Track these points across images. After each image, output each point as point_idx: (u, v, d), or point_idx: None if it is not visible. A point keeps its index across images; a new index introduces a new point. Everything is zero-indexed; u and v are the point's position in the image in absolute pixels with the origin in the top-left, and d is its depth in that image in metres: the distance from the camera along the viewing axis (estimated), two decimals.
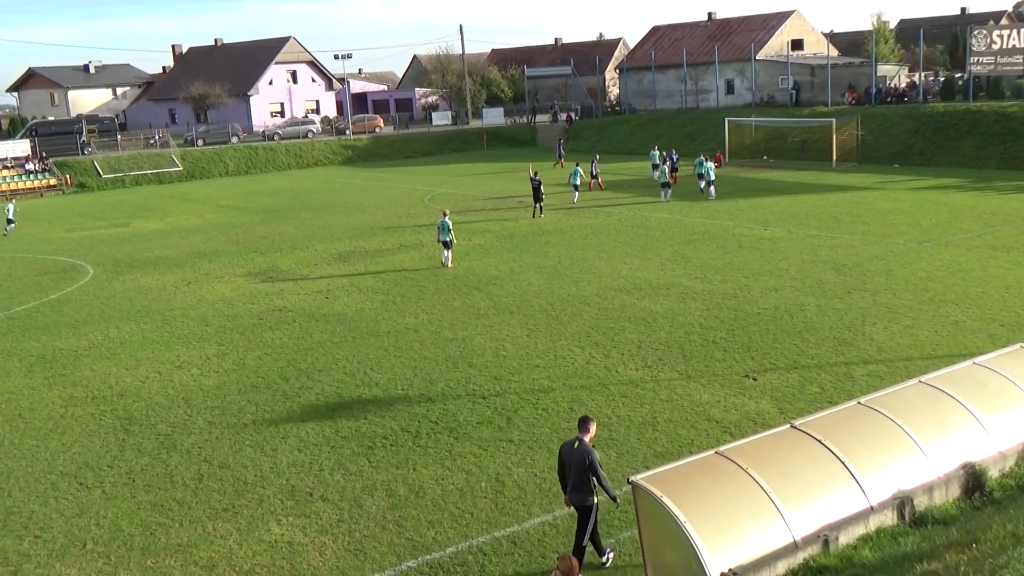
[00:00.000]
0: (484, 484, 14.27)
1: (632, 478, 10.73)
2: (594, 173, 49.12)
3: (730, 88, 77.65)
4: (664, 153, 52.13)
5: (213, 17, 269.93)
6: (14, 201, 49.88)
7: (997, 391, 13.20)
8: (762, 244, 31.77)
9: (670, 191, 44.34)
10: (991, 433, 12.56)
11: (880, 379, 17.56)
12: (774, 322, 22.24)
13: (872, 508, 11.20)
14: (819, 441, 11.55)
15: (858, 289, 24.94)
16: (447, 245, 30.79)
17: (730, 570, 9.91)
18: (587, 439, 11.46)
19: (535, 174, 42.16)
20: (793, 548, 10.50)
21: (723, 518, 10.40)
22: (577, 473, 11.34)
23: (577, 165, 47.62)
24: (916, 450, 11.91)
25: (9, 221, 45.53)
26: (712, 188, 44.36)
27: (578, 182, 45.12)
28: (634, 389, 18.15)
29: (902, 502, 11.42)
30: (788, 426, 12.17)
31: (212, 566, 12.37)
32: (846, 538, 10.88)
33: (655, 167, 51.60)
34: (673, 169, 50.70)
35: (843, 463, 11.33)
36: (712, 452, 11.46)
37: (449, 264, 30.81)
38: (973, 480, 12.02)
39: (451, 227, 30.82)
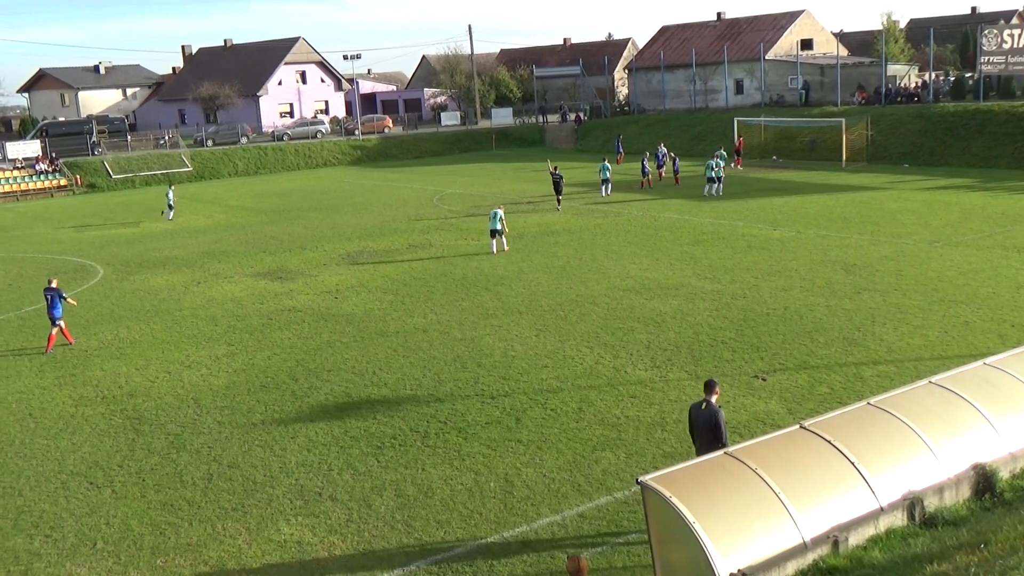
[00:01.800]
0: (493, 484, 14.27)
1: (641, 478, 10.72)
2: (645, 170, 49.53)
3: (739, 88, 77.49)
4: (667, 152, 52.53)
5: (222, 18, 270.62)
6: (173, 187, 50.60)
7: (1008, 392, 13.15)
8: (771, 244, 31.71)
9: (716, 186, 44.68)
10: (1002, 434, 12.51)
11: (890, 379, 17.51)
12: (783, 322, 22.19)
13: (882, 509, 11.16)
14: (828, 442, 11.52)
15: (868, 289, 24.87)
16: (495, 234, 32.91)
17: (739, 571, 9.89)
18: (714, 400, 12.25)
19: (555, 168, 43.34)
20: (803, 549, 10.47)
21: (732, 518, 10.38)
22: (705, 432, 12.12)
23: (605, 160, 48.67)
24: (926, 451, 11.88)
25: (169, 206, 46.73)
26: (719, 186, 44.64)
27: (608, 176, 46.26)
28: (643, 389, 18.13)
29: (912, 503, 11.39)
30: (797, 426, 12.14)
31: (222, 565, 12.41)
32: (856, 539, 10.85)
33: (660, 165, 51.96)
34: (659, 166, 51.22)
35: (853, 464, 11.30)
36: (721, 452, 11.44)
37: (494, 250, 32.75)
38: (983, 481, 11.98)
39: (502, 217, 33.07)
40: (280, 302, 27.41)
